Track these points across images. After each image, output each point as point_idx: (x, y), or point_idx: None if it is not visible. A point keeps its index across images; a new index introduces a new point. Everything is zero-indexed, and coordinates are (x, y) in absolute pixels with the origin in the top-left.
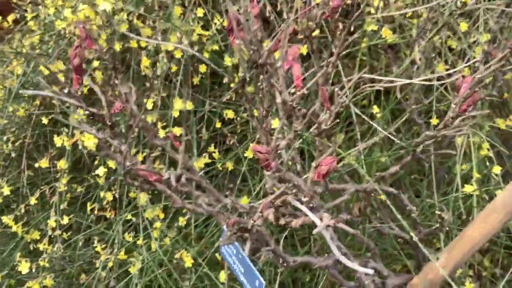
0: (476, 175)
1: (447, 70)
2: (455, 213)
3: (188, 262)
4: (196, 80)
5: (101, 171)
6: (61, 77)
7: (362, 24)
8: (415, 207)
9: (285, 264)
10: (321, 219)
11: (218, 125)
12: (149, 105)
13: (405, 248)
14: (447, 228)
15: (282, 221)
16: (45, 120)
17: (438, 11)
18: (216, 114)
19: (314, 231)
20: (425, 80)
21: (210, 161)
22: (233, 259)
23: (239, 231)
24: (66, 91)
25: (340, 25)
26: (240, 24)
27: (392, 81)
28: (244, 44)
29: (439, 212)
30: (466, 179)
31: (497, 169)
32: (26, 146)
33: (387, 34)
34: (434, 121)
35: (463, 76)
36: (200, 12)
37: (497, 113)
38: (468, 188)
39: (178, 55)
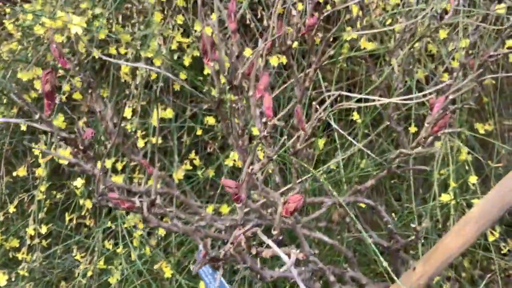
0: (452, 184)
1: (426, 76)
2: (433, 219)
3: (168, 272)
4: (176, 87)
5: (79, 182)
6: (38, 84)
7: (342, 31)
8: (394, 213)
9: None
10: (288, 255)
11: (199, 132)
12: (128, 114)
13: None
14: (422, 241)
15: (253, 251)
16: (23, 127)
17: (416, 22)
18: (197, 120)
19: (281, 270)
20: (404, 99)
21: (191, 167)
22: (209, 279)
23: (210, 261)
24: (37, 116)
25: (320, 35)
26: (215, 45)
27: (370, 97)
28: (219, 65)
29: (414, 225)
30: (446, 184)
31: (473, 179)
32: (4, 153)
33: (366, 45)
34: (412, 129)
35: (437, 95)
36: (179, 19)
37: (476, 118)
38: (445, 197)
39: (157, 63)
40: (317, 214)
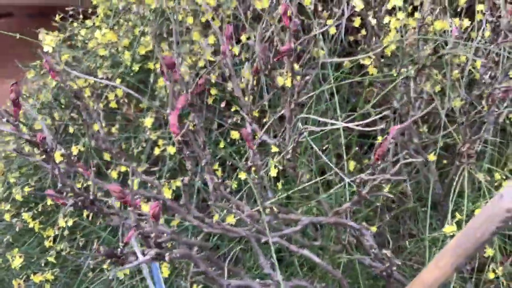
0: (458, 216)
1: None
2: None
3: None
4: (210, 101)
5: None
6: (88, 92)
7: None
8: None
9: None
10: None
11: (222, 145)
12: (148, 124)
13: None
14: (394, 268)
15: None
16: (71, 130)
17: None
18: (224, 133)
19: (136, 263)
20: (357, 125)
21: None
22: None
23: (107, 257)
24: (4, 119)
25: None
26: (174, 66)
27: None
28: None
29: (386, 251)
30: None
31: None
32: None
33: (373, 72)
34: (431, 157)
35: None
36: (211, 39)
37: None
38: (448, 229)
39: (185, 77)
40: (289, 231)
